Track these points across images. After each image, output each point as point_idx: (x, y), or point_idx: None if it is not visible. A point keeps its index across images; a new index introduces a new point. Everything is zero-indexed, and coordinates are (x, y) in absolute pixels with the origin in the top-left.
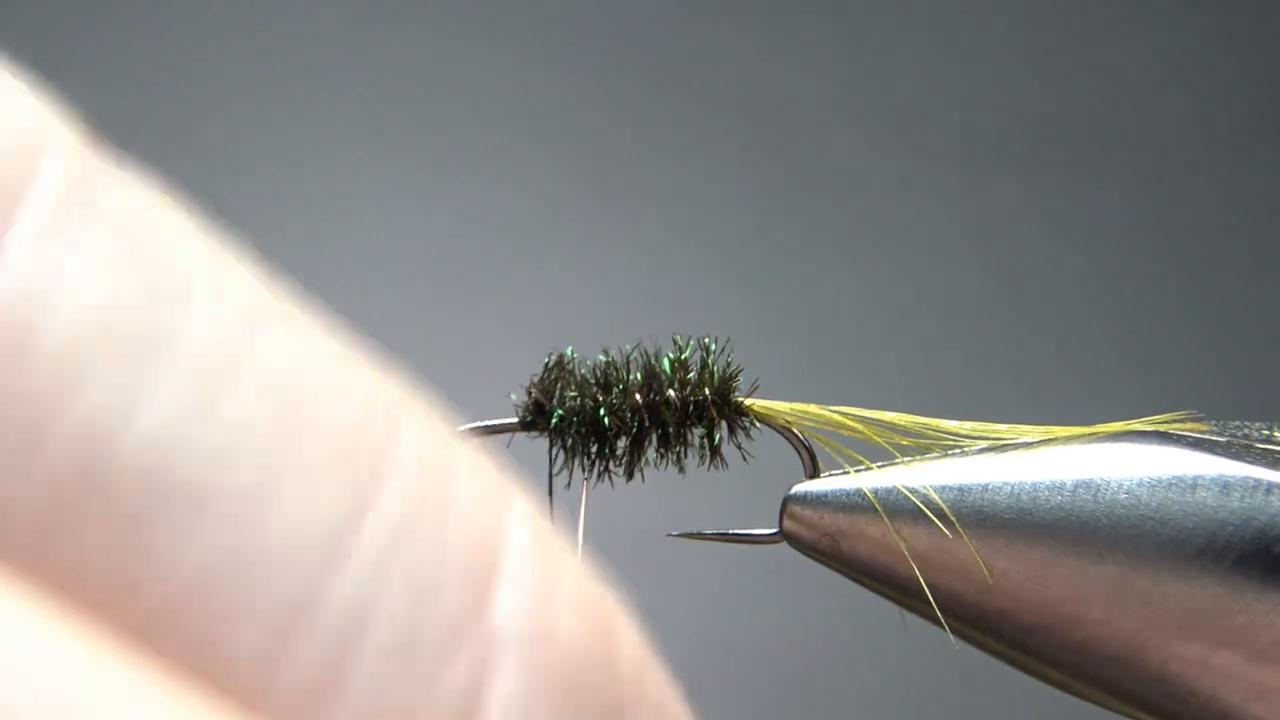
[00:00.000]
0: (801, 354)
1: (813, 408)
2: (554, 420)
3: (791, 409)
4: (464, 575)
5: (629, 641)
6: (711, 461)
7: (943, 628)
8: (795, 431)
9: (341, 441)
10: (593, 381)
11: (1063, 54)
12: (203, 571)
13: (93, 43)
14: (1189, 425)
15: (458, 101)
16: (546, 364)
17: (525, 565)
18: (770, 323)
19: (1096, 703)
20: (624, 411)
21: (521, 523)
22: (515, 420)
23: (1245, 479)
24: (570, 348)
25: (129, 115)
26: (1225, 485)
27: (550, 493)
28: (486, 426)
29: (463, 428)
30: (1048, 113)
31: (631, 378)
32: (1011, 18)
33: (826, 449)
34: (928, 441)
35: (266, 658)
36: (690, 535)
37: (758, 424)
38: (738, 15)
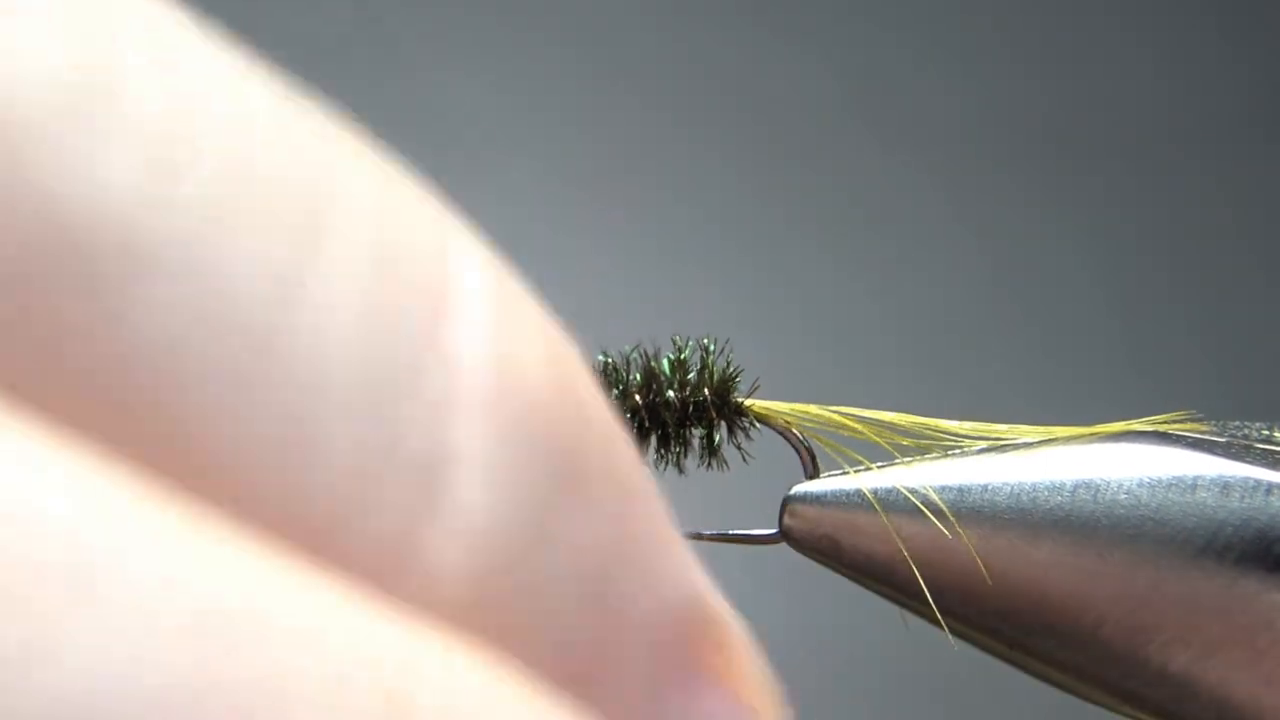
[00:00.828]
0: (801, 354)
1: (812, 408)
2: None
3: (791, 409)
4: (417, 315)
5: (592, 393)
6: (711, 462)
7: (942, 628)
8: (795, 432)
9: (290, 191)
10: None
11: (1065, 54)
12: (162, 330)
13: None
14: (1188, 425)
15: (456, 103)
16: None
17: (480, 307)
18: (770, 323)
19: (1097, 703)
20: (623, 413)
21: (476, 266)
22: None
23: (1245, 479)
24: None
25: None
26: (1225, 485)
27: None
28: None
29: None
30: (1049, 113)
31: (631, 379)
32: (1014, 17)
33: (826, 449)
34: (927, 442)
35: (230, 411)
36: (689, 535)
37: (757, 424)
38: (738, 14)
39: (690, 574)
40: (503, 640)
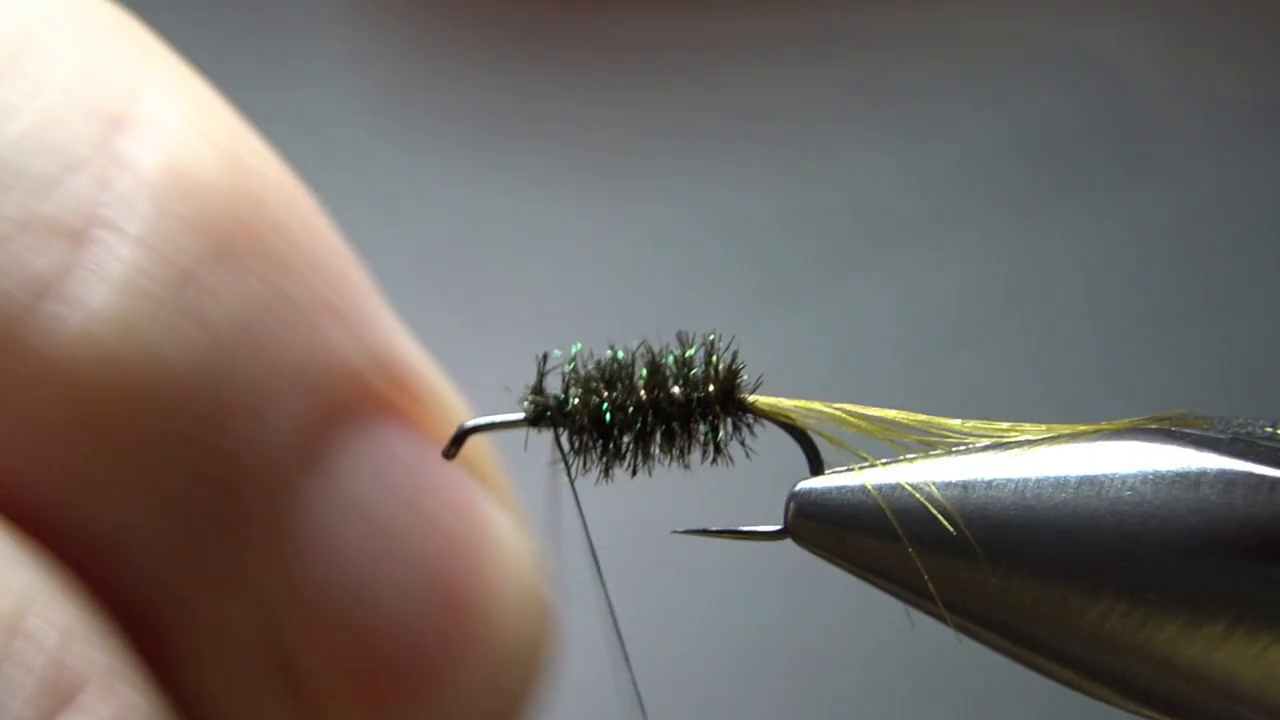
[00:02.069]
0: (806, 351)
1: (816, 404)
2: (558, 416)
3: (795, 405)
4: (93, 129)
5: (280, 192)
6: (716, 458)
7: (947, 624)
8: (799, 428)
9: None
10: (598, 378)
11: (1068, 51)
12: None
13: None
14: (1192, 422)
15: (465, 93)
16: (539, 361)
17: (158, 126)
18: (776, 319)
19: (1102, 699)
20: (629, 408)
21: (166, 99)
22: (521, 417)
23: (1248, 475)
24: (577, 344)
25: None
26: (1229, 482)
27: (571, 487)
28: (492, 423)
29: (468, 424)
30: (1050, 109)
31: (636, 374)
32: (1014, 18)
33: (831, 446)
34: (931, 439)
35: None
36: (695, 532)
37: (761, 420)
38: (746, 12)
39: (382, 337)
40: (149, 365)
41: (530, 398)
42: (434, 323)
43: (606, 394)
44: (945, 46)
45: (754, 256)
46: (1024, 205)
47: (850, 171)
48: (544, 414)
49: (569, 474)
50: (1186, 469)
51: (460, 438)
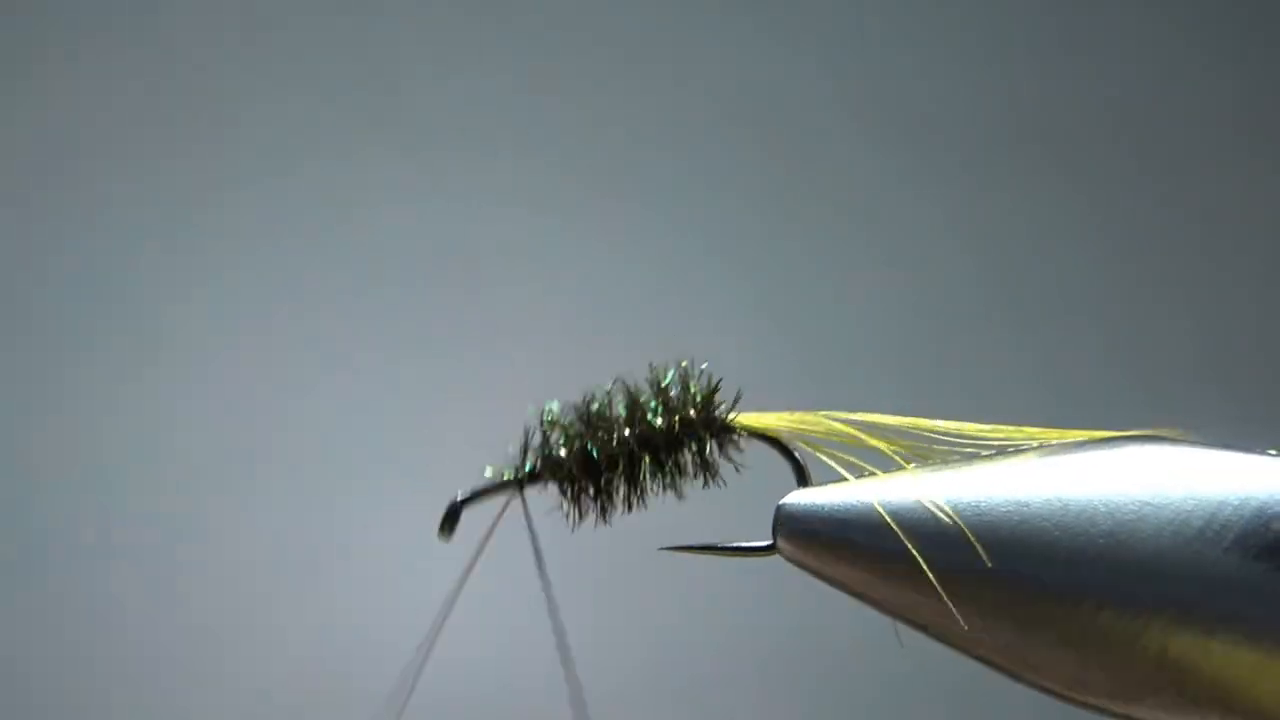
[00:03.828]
0: (796, 358)
1: (802, 414)
2: (547, 470)
3: (779, 418)
4: None
5: None
6: (707, 479)
7: (930, 637)
8: (783, 442)
9: None
10: (578, 424)
11: (1062, 56)
12: None
13: (93, 43)
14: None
15: (451, 106)
16: (525, 434)
17: None
18: (765, 326)
19: (1093, 708)
20: (614, 446)
21: None
22: (511, 479)
23: (1240, 460)
24: (550, 402)
25: (130, 117)
26: (1221, 469)
27: (536, 550)
28: (484, 490)
29: (459, 498)
30: (1048, 115)
31: (615, 412)
32: (1012, 19)
33: (819, 456)
34: (920, 445)
35: None
36: (682, 549)
37: (747, 436)
38: (738, 15)
39: None
40: None
41: (513, 467)
42: (431, 336)
43: (589, 436)
44: (939, 46)
45: (745, 261)
46: (1019, 211)
47: (844, 175)
48: (532, 472)
49: (568, 519)
50: (1179, 461)
51: (453, 514)
